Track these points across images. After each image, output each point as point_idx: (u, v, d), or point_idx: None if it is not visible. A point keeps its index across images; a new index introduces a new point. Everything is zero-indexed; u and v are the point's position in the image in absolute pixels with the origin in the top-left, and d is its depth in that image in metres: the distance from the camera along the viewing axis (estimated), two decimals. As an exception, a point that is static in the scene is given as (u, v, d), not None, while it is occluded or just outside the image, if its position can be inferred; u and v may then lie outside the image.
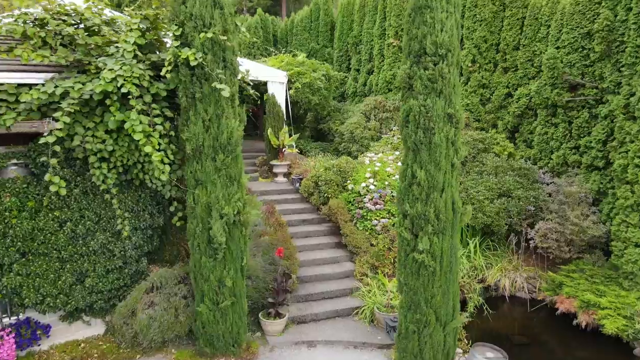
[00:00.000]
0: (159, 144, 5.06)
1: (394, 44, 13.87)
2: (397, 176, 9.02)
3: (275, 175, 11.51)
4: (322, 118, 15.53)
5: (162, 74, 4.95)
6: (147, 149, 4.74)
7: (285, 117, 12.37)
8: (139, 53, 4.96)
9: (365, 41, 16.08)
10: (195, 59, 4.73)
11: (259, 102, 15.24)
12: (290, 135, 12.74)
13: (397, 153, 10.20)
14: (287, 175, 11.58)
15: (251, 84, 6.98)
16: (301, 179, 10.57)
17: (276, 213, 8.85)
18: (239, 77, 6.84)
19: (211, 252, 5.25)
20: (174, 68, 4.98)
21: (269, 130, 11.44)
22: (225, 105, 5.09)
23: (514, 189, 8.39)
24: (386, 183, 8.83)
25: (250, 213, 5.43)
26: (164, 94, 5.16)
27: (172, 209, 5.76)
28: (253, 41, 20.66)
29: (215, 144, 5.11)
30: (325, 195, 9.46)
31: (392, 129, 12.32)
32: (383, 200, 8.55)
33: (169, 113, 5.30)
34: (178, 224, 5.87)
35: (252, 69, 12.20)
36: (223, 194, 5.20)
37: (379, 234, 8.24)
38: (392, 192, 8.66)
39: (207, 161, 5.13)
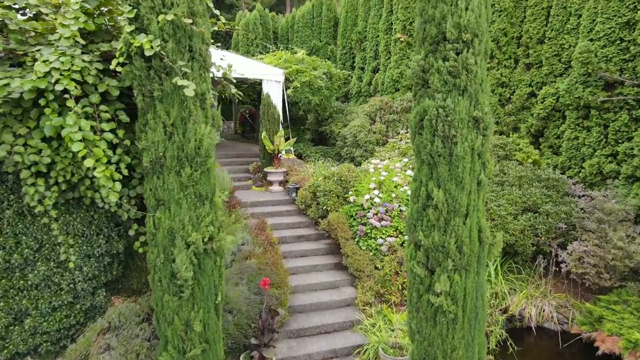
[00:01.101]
0: (109, 155, 4.09)
1: (401, 40, 12.88)
2: (405, 187, 8.02)
3: (270, 183, 10.55)
4: (324, 120, 14.58)
5: (111, 67, 3.99)
6: (88, 162, 3.78)
7: (282, 119, 11.42)
8: (81, 41, 4.01)
9: (370, 37, 15.10)
10: (152, 47, 3.77)
11: (258, 102, 14.32)
12: (287, 139, 11.78)
13: (405, 160, 9.20)
14: (283, 183, 10.61)
15: (234, 81, 6.03)
16: (298, 189, 9.60)
17: (267, 229, 7.88)
18: (218, 73, 5.89)
19: (175, 289, 4.27)
20: (127, 60, 4.02)
21: (264, 134, 10.48)
22: (193, 107, 4.12)
23: (541, 203, 7.36)
24: (393, 195, 7.83)
25: (226, 240, 4.45)
26: (117, 92, 4.20)
27: (132, 232, 4.80)
28: (252, 38, 19.76)
29: (181, 155, 4.14)
30: (324, 207, 8.48)
31: (399, 133, 11.33)
32: (389, 216, 7.55)
33: (124, 117, 4.33)
34: (141, 250, 4.91)
35: (244, 65, 11.29)
36: (190, 216, 4.22)
37: (384, 255, 7.24)
38: (399, 206, 7.65)
39: (169, 176, 4.16)
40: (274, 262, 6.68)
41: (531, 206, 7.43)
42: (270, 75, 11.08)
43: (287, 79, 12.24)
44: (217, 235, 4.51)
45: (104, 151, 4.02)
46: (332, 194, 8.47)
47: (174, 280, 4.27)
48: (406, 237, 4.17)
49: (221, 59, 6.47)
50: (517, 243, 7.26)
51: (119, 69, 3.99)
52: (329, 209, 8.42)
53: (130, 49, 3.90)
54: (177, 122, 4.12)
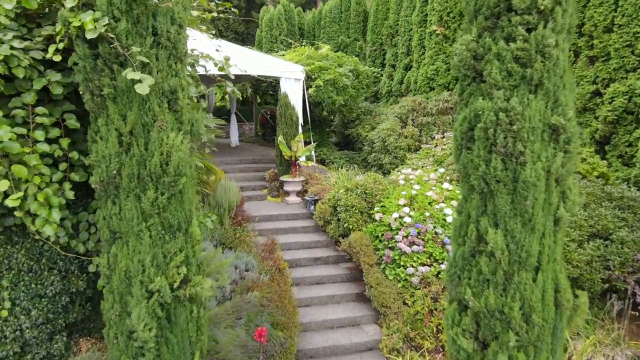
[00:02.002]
0: (44, 173, 3.13)
1: (437, 32, 11.60)
2: (442, 204, 6.80)
3: (287, 194, 9.52)
4: (350, 122, 13.46)
5: (48, 56, 3.03)
6: (3, 185, 2.82)
7: (302, 121, 10.38)
8: (8, 22, 3.06)
9: (402, 31, 13.88)
10: (95, 28, 2.78)
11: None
12: (307, 144, 10.73)
13: (441, 170, 7.97)
14: (301, 194, 9.56)
15: (233, 77, 5.00)
16: (317, 201, 8.52)
17: (277, 250, 6.84)
18: (211, 68, 4.90)
19: (134, 350, 3.27)
20: (70, 46, 3.06)
21: (280, 138, 9.46)
22: (159, 109, 3.12)
23: (614, 227, 6.00)
24: (427, 214, 6.63)
25: (204, 285, 3.41)
26: (60, 90, 3.23)
27: (92, 268, 3.84)
28: (275, 35, 18.85)
29: (142, 173, 3.13)
30: (345, 225, 7.36)
31: (434, 137, 10.07)
32: (422, 239, 6.36)
33: (73, 122, 3.36)
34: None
35: (256, 61, 10.34)
36: (155, 255, 3.21)
37: (415, 289, 6.06)
38: (434, 227, 6.45)
39: (127, 201, 3.16)
40: (281, 294, 5.62)
41: (600, 231, 6.08)
42: (288, 73, 10.06)
43: (309, 77, 11.21)
44: (193, 278, 3.48)
45: (36, 167, 3.05)
46: (355, 209, 7.34)
47: (132, 340, 3.26)
48: (447, 309, 3.01)
49: (217, 50, 5.46)
50: (582, 277, 5.93)
51: (57, 57, 3.02)
52: (350, 227, 7.30)
53: (70, 31, 2.92)
54: (137, 130, 3.12)
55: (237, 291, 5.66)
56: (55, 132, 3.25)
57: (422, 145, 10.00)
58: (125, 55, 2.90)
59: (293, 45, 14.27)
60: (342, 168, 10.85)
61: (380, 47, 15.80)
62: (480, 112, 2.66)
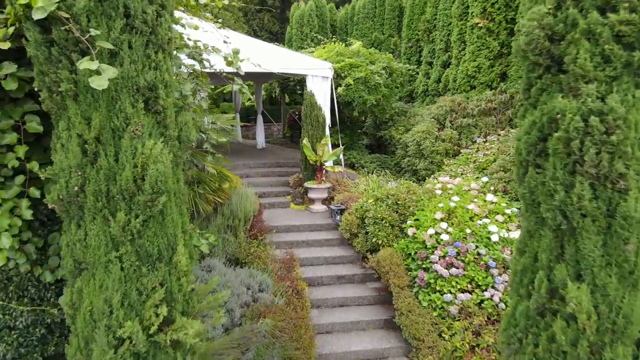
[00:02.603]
0: (-9, 189, 2.57)
1: (480, 25, 10.64)
2: (485, 220, 5.95)
3: (311, 201, 8.84)
4: (383, 123, 12.66)
5: (-3, 43, 2.46)
6: None
7: (329, 122, 9.69)
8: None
9: (440, 25, 12.96)
10: (44, 6, 2.18)
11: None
12: (336, 146, 10.03)
13: (484, 179, 7.10)
14: (327, 201, 8.87)
15: (242, 72, 4.37)
16: (344, 210, 7.81)
17: (296, 268, 6.17)
18: (215, 63, 4.29)
19: (101, 410, 2.67)
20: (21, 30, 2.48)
21: (305, 141, 8.80)
22: (132, 110, 2.49)
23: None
24: (468, 231, 5.79)
25: (188, 330, 2.77)
26: (15, 85, 2.66)
27: (64, 300, 3.28)
28: (306, 32, 18.25)
29: (112, 190, 2.51)
30: (374, 240, 6.62)
31: (475, 141, 9.16)
32: (462, 261, 5.53)
33: (34, 126, 2.79)
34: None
35: (282, 57, 9.71)
36: (126, 291, 2.58)
37: (454, 320, 5.24)
38: (477, 247, 5.61)
39: (93, 224, 2.55)
40: (297, 322, 4.94)
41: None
42: (315, 70, 9.38)
43: (338, 75, 10.50)
44: (178, 318, 2.84)
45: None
46: (385, 222, 6.58)
47: (97, 397, 2.64)
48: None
49: (225, 41, 4.83)
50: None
51: (4, 45, 2.44)
52: (379, 242, 6.54)
53: (17, 11, 2.34)
54: (105, 136, 2.51)
55: (247, 316, 5.02)
56: (12, 138, 2.68)
57: (461, 150, 9.10)
58: (84, 41, 2.28)
59: (323, 42, 13.60)
60: (372, 173, 10.09)
61: (416, 44, 14.90)
62: (558, 116, 1.88)
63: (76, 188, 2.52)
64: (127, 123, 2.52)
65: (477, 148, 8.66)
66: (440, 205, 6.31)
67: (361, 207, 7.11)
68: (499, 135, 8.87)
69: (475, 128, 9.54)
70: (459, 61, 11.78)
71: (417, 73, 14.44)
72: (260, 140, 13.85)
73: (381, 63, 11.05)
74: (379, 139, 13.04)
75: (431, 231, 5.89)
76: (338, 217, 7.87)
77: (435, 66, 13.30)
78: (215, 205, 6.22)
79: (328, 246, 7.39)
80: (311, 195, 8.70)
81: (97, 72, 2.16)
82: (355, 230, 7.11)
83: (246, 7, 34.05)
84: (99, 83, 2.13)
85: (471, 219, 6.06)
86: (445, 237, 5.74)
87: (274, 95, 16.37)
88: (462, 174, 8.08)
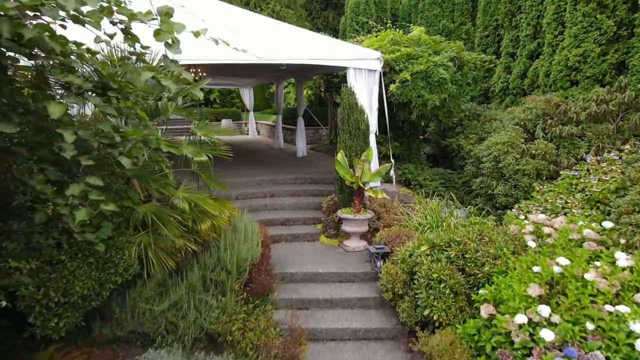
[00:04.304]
0: None
1: (589, -2, 7.94)
2: (619, 307, 3.53)
3: (347, 235, 6.75)
4: (448, 129, 10.24)
5: None
6: None
7: (375, 128, 7.55)
8: None
9: (529, 5, 10.30)
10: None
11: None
12: (383, 160, 7.84)
13: (608, 224, 4.62)
14: (367, 236, 6.73)
15: (179, 61, 2.40)
16: (388, 255, 5.66)
17: (305, 351, 4.11)
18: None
19: None
20: None
21: (340, 155, 6.70)
22: None
23: None
24: (589, 326, 3.42)
25: None
26: None
27: None
28: (362, 22, 16.09)
29: None
30: (428, 312, 4.40)
31: (584, 159, 6.58)
32: (582, 385, 3.18)
33: None
34: None
35: (316, 45, 7.65)
36: None
37: None
38: (607, 358, 3.22)
39: None
40: None
41: None
42: (357, 61, 7.25)
43: (391, 69, 8.31)
44: None
45: None
46: (444, 286, 4.35)
47: None
48: None
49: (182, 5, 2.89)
50: None
51: None
52: (436, 317, 4.32)
53: None
54: None
55: None
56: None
57: (560, 171, 6.56)
58: None
59: (375, 30, 11.40)
60: (432, 197, 7.78)
61: (494, 32, 12.27)
62: None
63: None
64: None
65: (587, 169, 6.10)
66: (536, 269, 3.98)
67: (409, 257, 4.92)
68: (620, 150, 6.25)
69: (582, 140, 6.92)
70: (554, 49, 9.09)
71: (495, 66, 11.82)
72: (301, 147, 11.93)
73: (448, 53, 8.70)
74: (443, 149, 10.63)
75: (521, 318, 3.59)
76: (379, 264, 5.72)
77: (519, 58, 10.65)
78: (186, 255, 4.32)
79: (361, 308, 5.25)
80: (346, 227, 6.60)
81: None
82: (400, 290, 4.93)
83: (311, 6, 32.53)
84: None
85: (593, 300, 3.67)
86: (547, 334, 3.41)
87: (322, 95, 14.42)
88: (564, 208, 5.60)
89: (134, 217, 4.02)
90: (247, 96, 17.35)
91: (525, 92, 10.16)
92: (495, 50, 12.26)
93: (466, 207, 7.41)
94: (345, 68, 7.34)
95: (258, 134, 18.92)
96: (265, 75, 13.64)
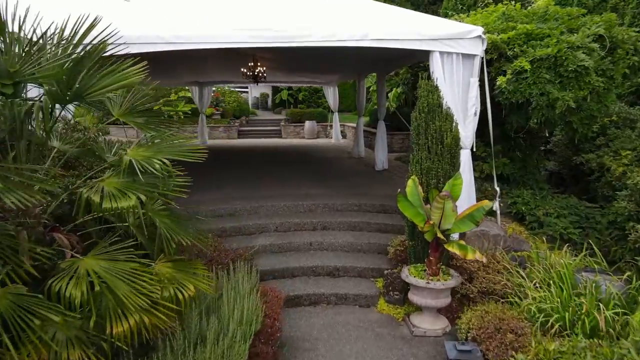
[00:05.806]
0: None
1: None
2: None
3: (417, 309, 4.45)
4: (585, 141, 7.30)
5: None
6: None
7: (471, 140, 5.15)
8: None
9: None
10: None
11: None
12: (484, 181, 5.38)
13: None
14: (450, 309, 4.38)
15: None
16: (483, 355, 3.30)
17: None
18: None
19: None
20: None
21: (411, 183, 4.42)
22: None
23: None
24: None
25: None
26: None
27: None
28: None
29: None
30: None
31: None
32: None
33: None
34: None
35: (384, 19, 5.14)
36: None
37: None
38: None
39: None
40: None
41: None
42: (444, 42, 4.86)
43: (500, 55, 5.81)
44: None
45: None
46: None
47: None
48: None
49: None
50: None
51: None
52: None
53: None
54: None
55: None
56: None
57: None
58: None
59: (483, 5, 8.76)
60: (559, 243, 5.14)
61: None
62: None
63: None
64: None
65: None
66: None
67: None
68: None
69: None
70: None
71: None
72: (380, 158, 9.71)
73: (589, 30, 5.91)
74: (573, 168, 7.69)
75: None
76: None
77: (703, 36, 7.31)
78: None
79: None
80: (415, 297, 4.30)
81: None
82: None
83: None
84: None
85: None
86: None
87: (410, 94, 12.01)
88: None
89: None
90: (331, 95, 15.41)
91: None
92: (658, 29, 8.86)
93: (621, 272, 4.63)
94: (430, 52, 5.01)
95: (344, 137, 16.98)
96: (342, 70, 11.62)
